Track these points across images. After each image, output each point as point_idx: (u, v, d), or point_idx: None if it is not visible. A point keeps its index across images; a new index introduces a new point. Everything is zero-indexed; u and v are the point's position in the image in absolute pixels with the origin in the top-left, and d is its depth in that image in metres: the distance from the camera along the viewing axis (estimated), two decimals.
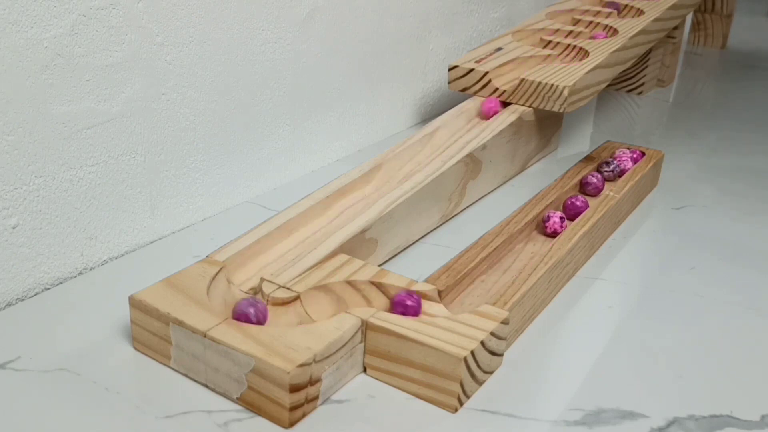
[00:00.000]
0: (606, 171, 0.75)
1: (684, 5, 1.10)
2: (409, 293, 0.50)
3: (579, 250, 0.62)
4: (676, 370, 0.51)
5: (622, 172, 0.75)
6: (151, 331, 0.48)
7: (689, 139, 0.97)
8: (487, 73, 0.80)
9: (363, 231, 0.58)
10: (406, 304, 0.49)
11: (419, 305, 0.50)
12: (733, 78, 1.28)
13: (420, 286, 0.52)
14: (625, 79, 1.14)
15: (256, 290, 0.51)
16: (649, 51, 1.09)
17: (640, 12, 1.03)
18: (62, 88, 0.55)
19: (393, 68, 0.90)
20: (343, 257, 0.55)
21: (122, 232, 0.62)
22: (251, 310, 0.48)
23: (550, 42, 0.93)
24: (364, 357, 0.49)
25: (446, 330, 0.47)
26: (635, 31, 0.93)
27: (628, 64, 0.94)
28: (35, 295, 0.57)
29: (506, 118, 0.77)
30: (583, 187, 0.72)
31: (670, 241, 0.70)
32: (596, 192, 0.71)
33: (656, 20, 0.99)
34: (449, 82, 0.83)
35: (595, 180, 0.71)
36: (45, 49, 0.53)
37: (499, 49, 0.88)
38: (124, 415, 0.45)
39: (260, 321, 0.48)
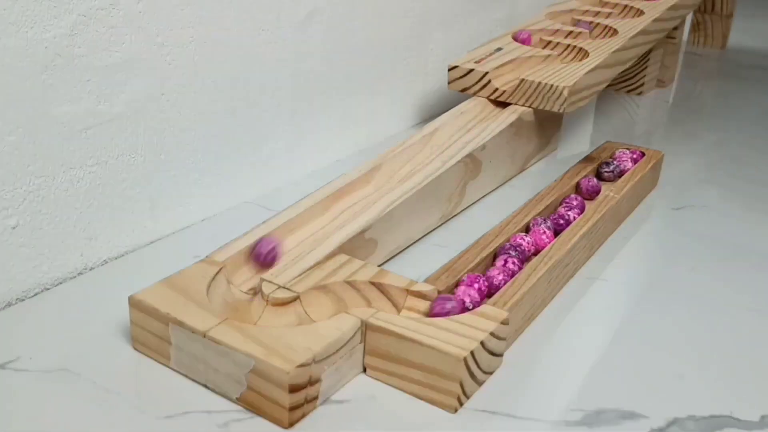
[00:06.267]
0: (606, 171, 0.75)
1: (684, 5, 1.10)
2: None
3: (579, 250, 0.62)
4: (676, 370, 0.51)
5: (621, 173, 0.75)
6: (151, 332, 0.48)
7: (689, 140, 0.97)
8: (486, 73, 0.80)
9: (363, 231, 0.58)
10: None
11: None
12: (733, 78, 1.28)
13: (420, 286, 0.52)
14: (625, 80, 1.14)
15: (256, 290, 0.51)
16: (649, 51, 1.09)
17: (640, 12, 1.04)
18: (62, 88, 0.55)
19: (393, 68, 0.90)
20: (342, 257, 0.55)
21: (122, 232, 0.62)
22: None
23: (550, 42, 0.93)
24: (363, 357, 0.49)
25: (446, 330, 0.47)
26: (635, 31, 0.93)
27: (628, 65, 0.94)
28: (35, 295, 0.57)
29: (506, 118, 0.77)
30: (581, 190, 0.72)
31: (670, 241, 0.70)
32: (594, 194, 0.71)
33: (656, 20, 0.99)
34: (449, 83, 0.83)
35: (591, 183, 0.71)
36: (45, 49, 0.53)
37: (499, 49, 0.88)
38: (124, 415, 0.45)
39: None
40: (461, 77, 0.82)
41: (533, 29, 0.96)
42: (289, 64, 0.74)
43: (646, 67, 1.11)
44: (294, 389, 0.43)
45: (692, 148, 0.94)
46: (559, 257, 0.58)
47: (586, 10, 1.05)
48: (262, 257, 0.49)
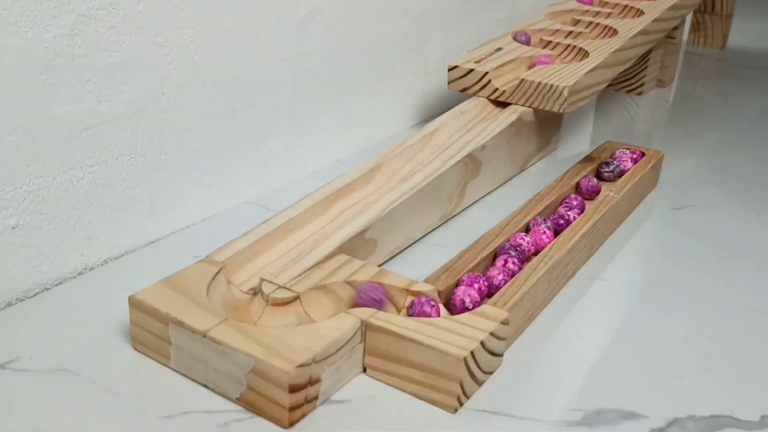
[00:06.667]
0: (606, 171, 0.75)
1: (684, 5, 1.10)
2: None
3: (579, 250, 0.62)
4: (676, 370, 0.51)
5: (621, 173, 0.75)
6: (151, 332, 0.48)
7: (689, 140, 0.97)
8: (486, 73, 0.80)
9: (363, 231, 0.58)
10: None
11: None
12: (733, 78, 1.28)
13: (420, 286, 0.52)
14: (625, 80, 1.14)
15: (256, 290, 0.51)
16: (649, 51, 1.09)
17: (640, 12, 1.04)
18: (62, 88, 0.55)
19: (393, 68, 0.90)
20: (342, 257, 0.55)
21: (122, 232, 0.62)
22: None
23: (550, 42, 0.93)
24: (363, 357, 0.49)
25: (446, 330, 0.47)
26: (635, 32, 0.93)
27: (628, 65, 0.94)
28: (35, 295, 0.57)
29: (506, 118, 0.77)
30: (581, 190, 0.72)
31: (670, 241, 0.70)
32: (594, 194, 0.71)
33: (656, 20, 0.99)
34: (449, 83, 0.83)
35: (591, 183, 0.71)
36: (45, 49, 0.53)
37: (499, 49, 0.88)
38: (124, 415, 0.45)
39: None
40: (461, 77, 0.82)
41: (533, 29, 0.96)
42: (289, 64, 0.74)
43: (646, 67, 1.11)
44: (294, 389, 0.43)
45: (692, 148, 0.94)
46: (559, 257, 0.58)
47: (586, 10, 1.05)
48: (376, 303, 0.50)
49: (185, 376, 0.48)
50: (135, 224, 0.63)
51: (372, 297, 0.50)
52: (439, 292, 0.52)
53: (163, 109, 0.63)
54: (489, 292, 0.55)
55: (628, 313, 0.58)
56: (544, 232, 0.62)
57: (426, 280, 0.55)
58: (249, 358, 0.44)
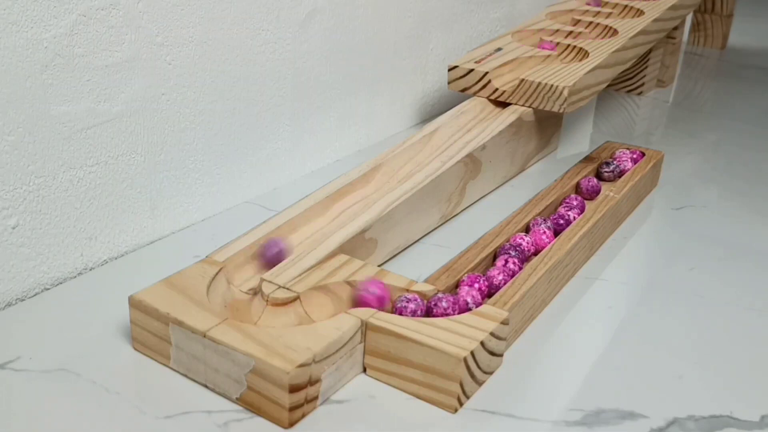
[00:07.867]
0: (606, 171, 0.75)
1: (684, 5, 1.11)
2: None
3: (579, 250, 0.62)
4: (676, 370, 0.51)
5: (621, 173, 0.75)
6: (151, 331, 0.48)
7: (689, 140, 0.97)
8: (486, 73, 0.80)
9: (363, 231, 0.58)
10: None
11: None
12: (733, 78, 1.28)
13: (420, 286, 0.52)
14: (625, 80, 1.14)
15: (256, 290, 0.51)
16: (649, 51, 1.09)
17: (640, 12, 1.04)
18: (62, 88, 0.55)
19: (393, 68, 0.90)
20: (342, 257, 0.55)
21: (122, 232, 0.62)
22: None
23: (549, 42, 0.93)
24: (363, 357, 0.49)
25: (446, 330, 0.47)
26: (635, 31, 0.93)
27: (628, 65, 0.94)
28: (35, 295, 0.57)
29: (506, 118, 0.77)
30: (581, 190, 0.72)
31: (670, 241, 0.70)
32: (594, 194, 0.71)
33: (656, 20, 0.99)
34: (449, 83, 0.83)
35: (591, 184, 0.71)
36: (45, 49, 0.53)
37: (499, 49, 0.88)
38: (124, 415, 0.45)
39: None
40: (461, 77, 0.82)
41: (533, 29, 0.96)
42: (289, 64, 0.74)
43: (646, 67, 1.11)
44: (294, 389, 0.43)
45: (692, 148, 0.94)
46: (559, 257, 0.58)
47: (586, 10, 1.05)
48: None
49: (185, 376, 0.48)
50: (135, 224, 0.63)
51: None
52: (440, 292, 0.52)
53: (163, 109, 0.63)
54: (489, 292, 0.55)
55: (628, 313, 0.58)
56: (544, 232, 0.62)
57: (426, 280, 0.55)
58: (249, 358, 0.44)
